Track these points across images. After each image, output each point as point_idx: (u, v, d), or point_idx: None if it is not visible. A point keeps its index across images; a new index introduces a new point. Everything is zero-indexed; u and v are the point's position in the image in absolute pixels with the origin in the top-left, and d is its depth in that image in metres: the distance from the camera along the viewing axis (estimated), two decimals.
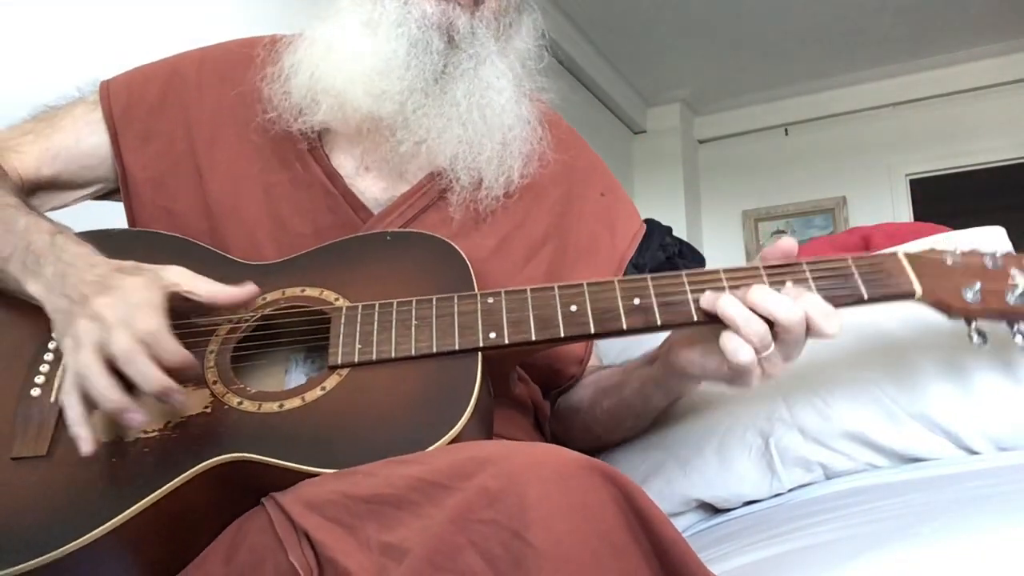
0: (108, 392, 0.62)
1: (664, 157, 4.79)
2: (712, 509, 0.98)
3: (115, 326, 0.64)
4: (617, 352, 1.01)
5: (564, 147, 0.96)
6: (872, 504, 0.78)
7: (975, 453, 0.85)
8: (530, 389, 0.94)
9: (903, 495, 0.78)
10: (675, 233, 3.12)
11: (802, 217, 4.64)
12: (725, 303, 0.69)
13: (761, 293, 0.69)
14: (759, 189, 4.76)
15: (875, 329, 0.94)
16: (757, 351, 0.69)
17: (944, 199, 4.48)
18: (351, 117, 0.87)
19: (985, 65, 4.27)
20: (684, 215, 4.65)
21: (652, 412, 0.94)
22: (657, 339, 0.84)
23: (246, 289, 0.72)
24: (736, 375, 0.72)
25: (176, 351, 0.65)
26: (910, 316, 0.93)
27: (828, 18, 3.95)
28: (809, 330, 0.69)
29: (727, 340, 0.69)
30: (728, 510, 0.96)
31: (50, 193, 0.91)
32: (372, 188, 0.90)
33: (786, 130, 4.81)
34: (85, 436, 0.63)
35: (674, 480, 0.97)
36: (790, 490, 0.92)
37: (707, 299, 0.70)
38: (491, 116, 0.88)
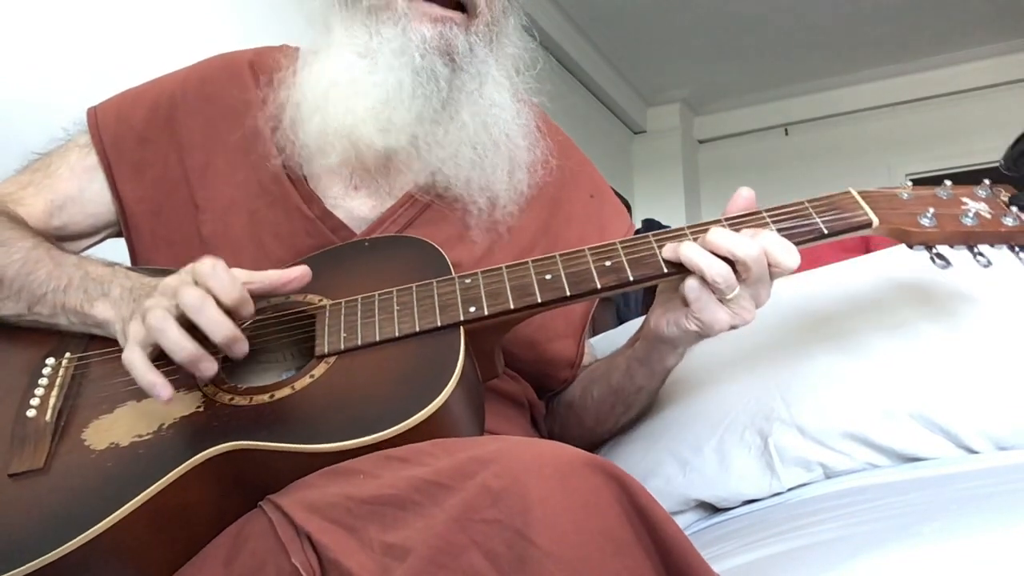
0: (183, 342, 0.64)
1: (664, 157, 4.79)
2: (711, 508, 0.98)
3: (182, 285, 0.66)
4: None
5: (558, 151, 0.96)
6: (872, 503, 0.78)
7: (974, 452, 0.85)
8: (524, 387, 0.93)
9: (903, 494, 0.78)
10: None
11: None
12: (686, 249, 0.71)
13: (718, 234, 0.71)
14: (759, 189, 4.60)
15: (874, 331, 0.95)
16: (724, 292, 0.71)
17: None
18: (365, 154, 0.86)
19: (985, 65, 4.28)
20: (684, 215, 4.65)
21: (638, 395, 0.94)
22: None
23: (296, 269, 0.72)
24: (702, 316, 0.73)
25: (238, 290, 0.66)
26: (908, 317, 0.94)
27: (827, 18, 3.95)
28: (771, 266, 0.71)
29: (685, 282, 0.72)
30: (727, 509, 0.96)
31: (61, 243, 0.89)
32: (361, 207, 0.89)
33: (786, 130, 4.81)
34: (160, 381, 0.64)
35: (673, 479, 0.97)
36: (789, 489, 0.92)
37: (669, 249, 0.72)
38: (497, 134, 0.89)
